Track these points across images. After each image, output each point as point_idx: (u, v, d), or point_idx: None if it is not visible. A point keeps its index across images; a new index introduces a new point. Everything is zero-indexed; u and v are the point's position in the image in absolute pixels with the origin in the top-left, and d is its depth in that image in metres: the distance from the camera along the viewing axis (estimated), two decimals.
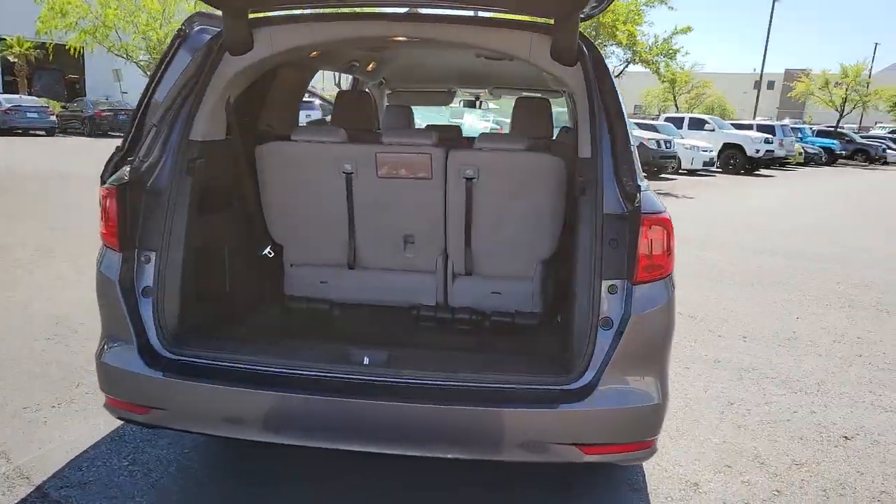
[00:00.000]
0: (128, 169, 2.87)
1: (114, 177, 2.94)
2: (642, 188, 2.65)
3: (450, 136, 5.09)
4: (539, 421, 2.60)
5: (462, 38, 3.08)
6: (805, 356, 5.47)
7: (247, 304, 3.77)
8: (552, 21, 2.95)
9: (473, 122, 9.18)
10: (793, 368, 5.16)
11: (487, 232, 3.55)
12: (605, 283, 2.67)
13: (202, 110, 3.09)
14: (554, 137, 4.49)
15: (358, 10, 3.08)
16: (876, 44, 55.98)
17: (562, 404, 2.59)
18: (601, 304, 2.66)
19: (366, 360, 2.83)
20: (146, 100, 3.30)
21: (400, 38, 3.38)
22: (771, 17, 48.15)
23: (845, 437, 4.06)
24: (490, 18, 3.02)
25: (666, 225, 2.64)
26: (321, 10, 3.08)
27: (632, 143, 2.78)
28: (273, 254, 3.78)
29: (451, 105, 8.46)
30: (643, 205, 2.60)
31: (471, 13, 3.05)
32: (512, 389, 2.65)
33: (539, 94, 6.66)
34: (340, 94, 4.63)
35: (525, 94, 6.09)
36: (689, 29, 23.23)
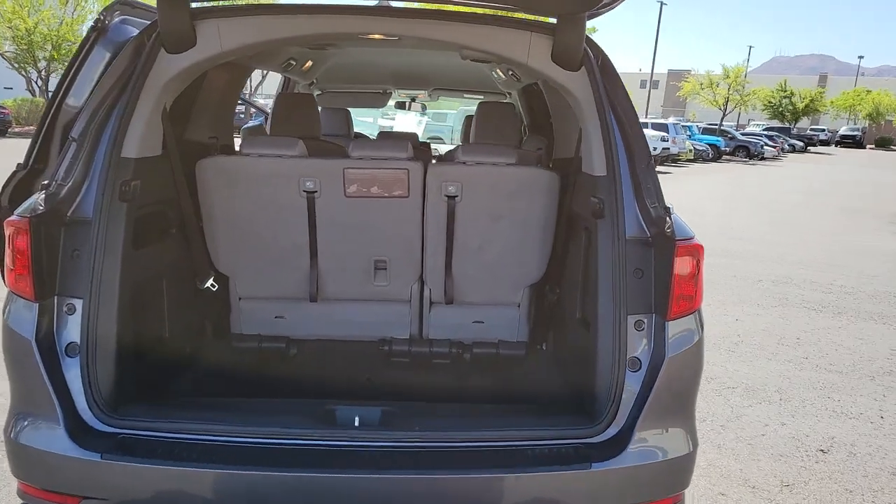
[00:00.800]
0: (42, 196, 2.26)
1: (24, 206, 2.32)
2: (671, 210, 2.36)
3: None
4: (571, 485, 2.25)
5: (449, 37, 2.67)
6: (756, 361, 5.47)
7: (191, 349, 3.20)
8: (554, 20, 2.60)
9: (407, 127, 8.74)
10: (749, 375, 5.13)
11: (471, 255, 3.18)
12: (632, 319, 2.36)
13: (135, 120, 2.51)
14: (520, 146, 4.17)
15: (332, 2, 2.60)
16: (750, 47, 60.10)
17: (594, 463, 2.25)
18: (627, 342, 2.35)
19: (356, 421, 2.37)
20: (55, 105, 2.68)
21: (376, 36, 2.93)
22: (659, 19, 50.46)
23: (822, 450, 4.01)
24: (482, 15, 2.63)
25: (698, 253, 2.37)
26: (290, 2, 2.58)
27: (651, 159, 2.49)
28: (217, 286, 3.22)
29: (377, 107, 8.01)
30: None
31: (460, 9, 2.64)
32: (537, 447, 2.29)
33: (482, 97, 6.35)
34: (281, 97, 4.08)
35: (484, 97, 5.76)
36: (593, 30, 23.78)
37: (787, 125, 57.77)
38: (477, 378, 3.39)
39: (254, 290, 3.28)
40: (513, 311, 3.35)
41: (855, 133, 61.69)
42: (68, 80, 2.73)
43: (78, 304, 2.32)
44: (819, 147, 56.62)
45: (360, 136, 7.00)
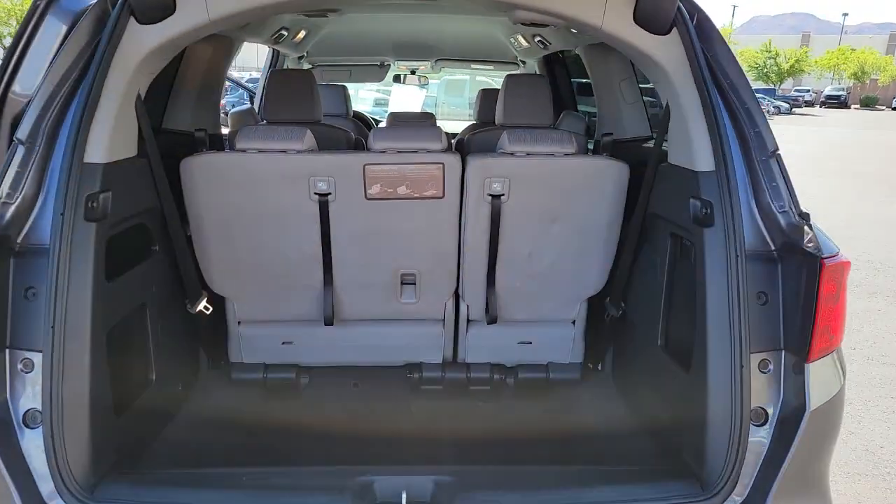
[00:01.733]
0: None
1: None
2: (808, 217, 1.83)
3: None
4: None
5: None
6: None
7: (183, 388, 2.65)
8: None
9: (408, 103, 8.11)
10: None
11: (519, 265, 2.63)
12: (755, 358, 1.85)
13: (101, 113, 1.93)
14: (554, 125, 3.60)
15: None
16: (734, 6, 59.27)
17: None
18: (750, 388, 1.84)
19: (403, 499, 1.85)
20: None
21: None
22: None
23: None
24: None
25: (843, 273, 1.84)
26: None
27: (776, 147, 1.95)
28: (211, 309, 2.66)
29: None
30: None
31: None
32: None
33: (491, 67, 5.74)
34: (275, 75, 3.46)
35: (493, 67, 5.14)
36: None
37: (771, 87, 57.34)
38: (525, 406, 2.88)
39: (256, 312, 2.72)
40: (566, 329, 2.82)
41: (840, 93, 61.33)
42: (13, 61, 2.12)
43: (36, 358, 1.77)
44: (804, 108, 56.33)
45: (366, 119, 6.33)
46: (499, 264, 2.61)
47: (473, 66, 5.92)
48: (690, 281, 2.12)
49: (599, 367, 2.98)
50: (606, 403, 2.77)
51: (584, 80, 5.84)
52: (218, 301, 2.68)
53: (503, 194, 2.47)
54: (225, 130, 3.66)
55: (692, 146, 2.06)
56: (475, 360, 2.87)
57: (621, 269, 2.62)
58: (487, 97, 4.74)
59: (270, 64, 4.91)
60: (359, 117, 5.99)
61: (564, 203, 2.51)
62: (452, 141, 5.08)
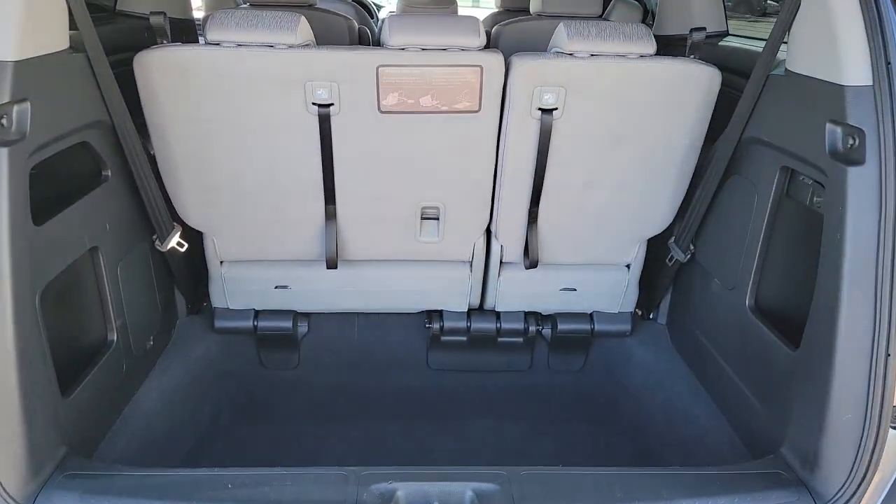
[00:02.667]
0: None
1: None
2: None
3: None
4: None
5: None
6: None
7: (157, 343, 2.20)
8: None
9: None
10: None
11: (571, 197, 2.10)
12: None
13: None
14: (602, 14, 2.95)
15: None
16: None
17: None
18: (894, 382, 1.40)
19: None
20: None
21: None
22: None
23: None
24: None
25: None
26: None
27: None
28: (185, 246, 2.15)
29: None
30: None
31: None
32: None
33: None
34: None
35: None
36: None
37: None
38: (564, 362, 2.46)
39: (242, 250, 2.21)
40: (619, 274, 2.34)
41: None
42: None
43: None
44: None
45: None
46: (545, 197, 2.08)
47: None
48: (810, 233, 1.61)
49: (652, 317, 2.52)
50: (663, 364, 2.34)
51: None
52: (195, 237, 2.17)
53: (556, 108, 1.90)
54: (199, 15, 3.00)
55: (837, 49, 1.48)
56: (507, 309, 2.40)
57: (696, 205, 2.10)
58: None
59: None
60: (358, 1, 5.22)
61: (634, 120, 1.95)
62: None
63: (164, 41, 1.84)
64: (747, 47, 2.29)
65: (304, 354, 2.49)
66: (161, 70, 1.79)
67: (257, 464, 2.21)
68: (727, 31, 2.68)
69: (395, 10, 5.58)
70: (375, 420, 2.46)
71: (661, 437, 2.23)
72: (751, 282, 1.88)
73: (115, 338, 1.89)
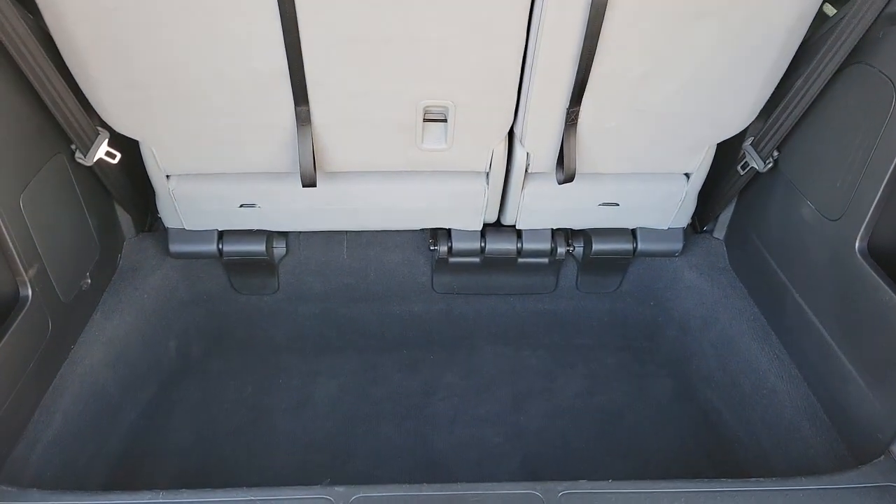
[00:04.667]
0: None
1: None
2: None
3: None
4: None
5: None
6: None
7: (93, 284, 1.77)
8: None
9: None
10: None
11: (624, 94, 1.57)
12: None
13: None
14: None
15: None
16: None
17: None
18: None
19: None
20: None
21: None
22: None
23: None
24: None
25: None
26: None
27: None
28: (118, 156, 1.65)
29: None
30: None
31: None
32: None
33: None
34: None
35: None
36: None
37: None
38: (599, 288, 2.07)
39: (190, 161, 1.71)
40: (675, 186, 1.85)
41: None
42: None
43: None
44: None
45: None
46: (589, 92, 1.55)
47: None
48: None
49: (706, 230, 2.08)
50: (718, 290, 1.94)
51: None
52: (132, 142, 1.66)
53: None
54: None
55: None
56: (530, 227, 1.95)
57: (793, 101, 1.58)
58: None
59: None
60: None
61: None
62: None
63: None
64: None
65: (284, 279, 2.08)
66: None
67: (235, 406, 1.89)
68: None
69: None
70: (371, 353, 2.11)
71: (710, 378, 1.89)
72: (868, 216, 1.41)
73: (30, 291, 1.46)
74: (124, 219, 1.94)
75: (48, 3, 1.31)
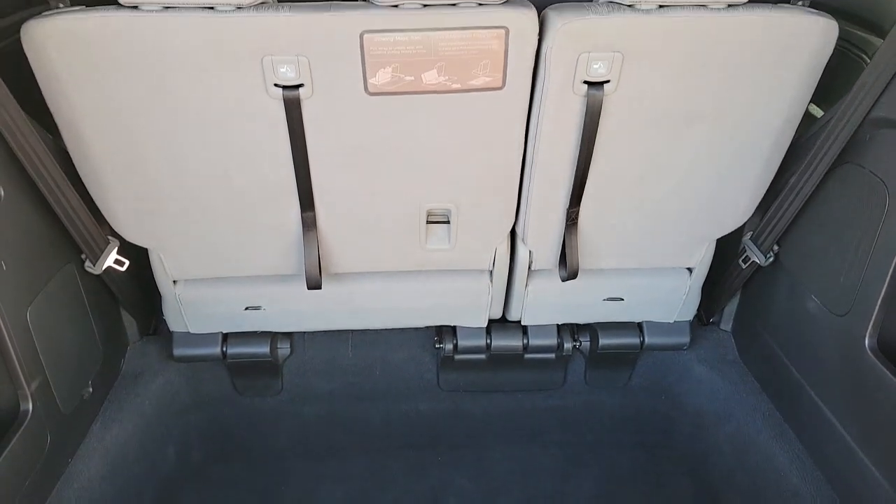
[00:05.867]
0: None
1: None
2: None
3: None
4: None
5: None
6: None
7: (95, 394, 1.76)
8: None
9: None
10: None
11: (622, 193, 1.61)
12: None
13: None
14: None
15: None
16: None
17: None
18: None
19: None
20: None
21: None
22: None
23: None
24: None
25: None
26: None
27: None
28: (126, 263, 1.68)
29: None
30: None
31: None
32: None
33: None
34: None
35: None
36: None
37: None
38: (607, 384, 2.04)
39: (198, 266, 1.74)
40: (678, 280, 1.87)
41: None
42: None
43: None
44: None
45: None
46: (588, 192, 1.59)
47: None
48: None
49: (713, 321, 2.08)
50: (730, 385, 1.92)
51: None
52: (140, 249, 1.69)
53: (608, 80, 1.38)
54: None
55: None
56: (536, 323, 1.95)
57: (788, 198, 1.61)
58: None
59: None
60: None
61: (715, 90, 1.43)
62: None
63: (60, 4, 1.30)
64: None
65: (287, 379, 2.06)
66: (58, 45, 1.27)
67: None
68: None
69: None
70: (378, 454, 2.06)
71: (730, 478, 1.84)
72: (875, 312, 1.42)
73: (31, 405, 1.45)
74: (129, 323, 1.95)
75: (68, 124, 1.38)
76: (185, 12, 1.24)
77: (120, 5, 1.25)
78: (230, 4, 1.24)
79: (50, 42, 1.26)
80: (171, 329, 1.89)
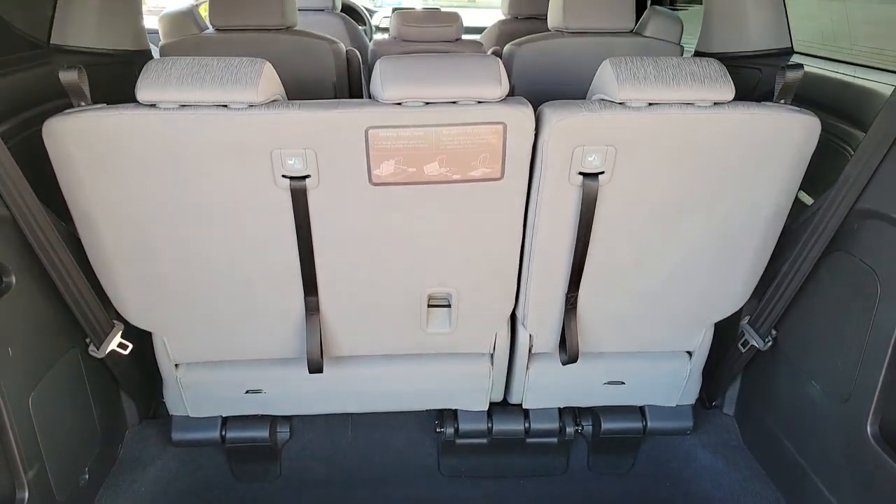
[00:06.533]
0: None
1: None
2: None
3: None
4: None
5: None
6: None
7: (90, 480, 1.74)
8: None
9: None
10: None
11: (619, 280, 1.64)
12: None
13: None
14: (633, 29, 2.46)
15: None
16: None
17: None
18: None
19: None
20: None
21: None
22: None
23: None
24: None
25: None
26: None
27: None
28: (129, 347, 1.70)
29: None
30: None
31: None
32: None
33: None
34: None
35: None
36: None
37: None
38: (610, 470, 2.01)
39: (200, 350, 1.75)
40: (679, 364, 1.88)
41: None
42: None
43: None
44: None
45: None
46: (586, 279, 1.62)
47: None
48: None
49: (716, 405, 2.07)
50: (736, 473, 1.89)
51: None
52: (140, 335, 1.71)
53: (603, 171, 1.44)
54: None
55: None
56: (537, 406, 1.95)
57: (782, 284, 1.64)
58: None
59: None
60: (347, 7, 4.72)
61: (704, 183, 1.48)
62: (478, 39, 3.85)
63: (82, 102, 1.37)
64: (843, 76, 1.81)
65: (286, 464, 2.03)
66: (78, 142, 1.33)
67: None
68: (792, 47, 2.21)
69: (386, 20, 5.08)
70: None
71: None
72: (875, 399, 1.42)
73: (27, 494, 1.43)
74: (128, 406, 1.94)
75: (82, 214, 1.42)
76: (201, 110, 1.31)
77: (139, 103, 1.32)
78: (243, 103, 1.31)
79: (70, 138, 1.32)
80: (171, 413, 1.88)
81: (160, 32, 2.61)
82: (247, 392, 1.82)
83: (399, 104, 1.35)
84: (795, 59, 2.18)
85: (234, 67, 1.33)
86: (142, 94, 1.30)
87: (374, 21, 5.21)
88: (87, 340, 1.63)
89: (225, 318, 1.65)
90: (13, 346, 1.40)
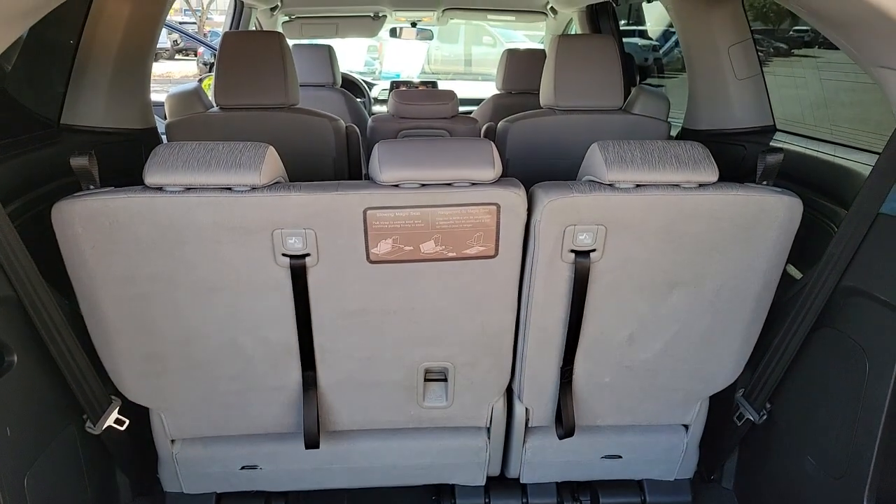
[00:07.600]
0: None
1: None
2: None
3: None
4: None
5: None
6: None
7: None
8: None
9: (406, 61, 6.69)
10: None
11: (612, 353, 1.67)
12: None
13: None
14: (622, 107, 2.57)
15: None
16: None
17: None
18: None
19: None
20: None
21: None
22: None
23: None
24: None
25: None
26: None
27: None
28: (126, 423, 1.69)
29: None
30: None
31: None
32: None
33: (512, 18, 4.67)
34: (229, 39, 2.39)
35: (515, 18, 4.02)
36: None
37: None
38: None
39: (197, 426, 1.75)
40: (675, 437, 1.88)
41: None
42: None
43: None
44: None
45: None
46: (580, 353, 1.65)
47: (490, 16, 4.81)
48: None
49: (714, 478, 2.05)
50: None
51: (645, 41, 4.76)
52: (140, 408, 1.71)
53: (594, 249, 1.49)
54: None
55: None
56: (535, 481, 1.93)
57: (774, 359, 1.66)
58: (518, 61, 3.68)
59: (233, 18, 3.80)
60: (346, 81, 4.89)
61: (693, 260, 1.53)
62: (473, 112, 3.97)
63: (91, 186, 1.42)
64: (823, 155, 1.88)
65: None
66: (85, 223, 1.37)
67: None
68: (775, 125, 2.30)
69: (385, 91, 5.26)
70: None
71: None
72: (870, 476, 1.42)
73: None
74: (122, 482, 1.92)
75: (85, 292, 1.45)
76: (205, 192, 1.36)
77: (146, 186, 1.37)
78: (246, 185, 1.37)
79: (78, 220, 1.37)
80: (165, 489, 1.86)
81: (166, 110, 2.70)
82: (242, 468, 1.81)
83: (396, 186, 1.40)
84: (779, 136, 2.27)
85: (238, 152, 1.38)
86: (150, 177, 1.36)
87: (373, 93, 5.37)
88: (84, 416, 1.64)
89: (222, 394, 1.65)
90: (11, 425, 1.40)
